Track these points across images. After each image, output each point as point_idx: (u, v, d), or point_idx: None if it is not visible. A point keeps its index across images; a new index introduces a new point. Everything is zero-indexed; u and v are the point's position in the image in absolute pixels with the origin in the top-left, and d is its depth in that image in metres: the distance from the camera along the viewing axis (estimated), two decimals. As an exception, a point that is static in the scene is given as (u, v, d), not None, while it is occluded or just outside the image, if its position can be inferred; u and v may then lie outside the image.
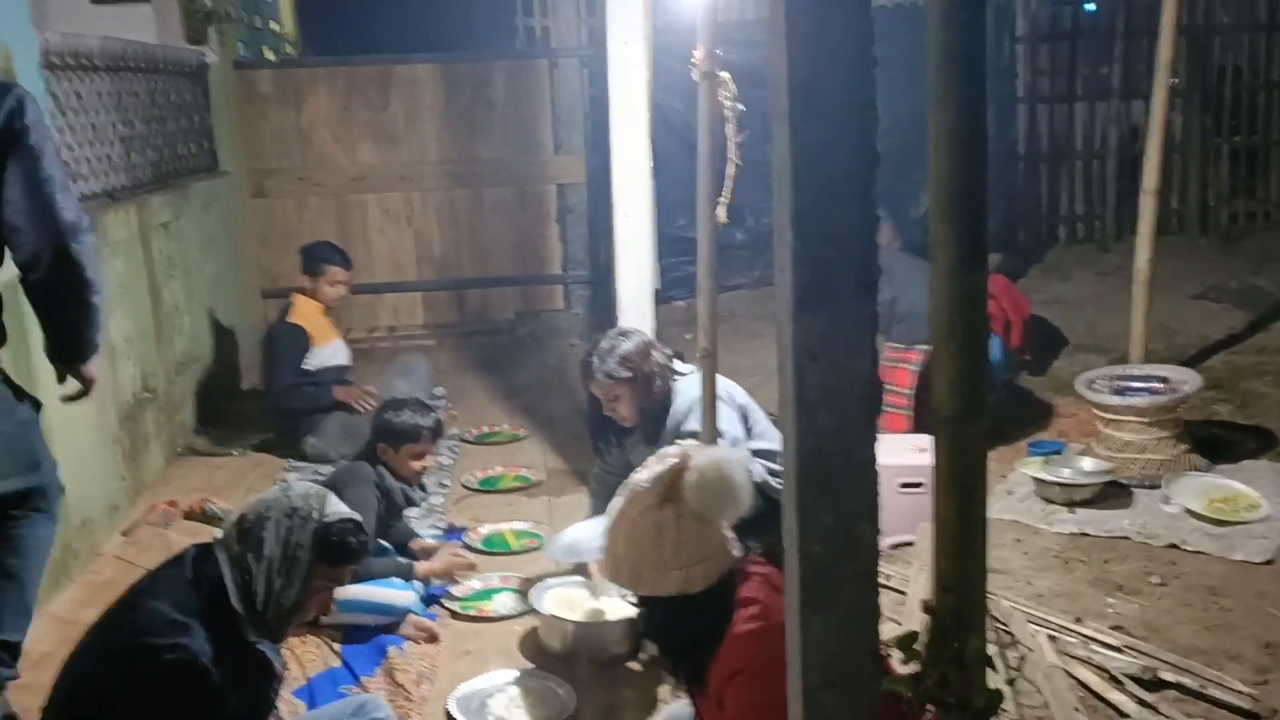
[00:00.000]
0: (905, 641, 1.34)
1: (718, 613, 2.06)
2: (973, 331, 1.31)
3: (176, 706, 2.01)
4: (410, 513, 4.45)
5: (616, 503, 2.16)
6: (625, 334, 3.69)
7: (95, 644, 2.17)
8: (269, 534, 2.14)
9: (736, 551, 2.13)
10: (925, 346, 4.68)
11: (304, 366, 5.03)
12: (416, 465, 3.70)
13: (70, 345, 2.67)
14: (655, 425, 3.64)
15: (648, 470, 2.12)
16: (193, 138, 6.09)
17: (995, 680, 1.45)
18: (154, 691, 2.02)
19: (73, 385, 2.84)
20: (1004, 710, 1.37)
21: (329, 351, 5.18)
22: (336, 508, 2.24)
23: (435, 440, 3.76)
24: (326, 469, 4.58)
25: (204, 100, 6.30)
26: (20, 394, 2.68)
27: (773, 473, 3.41)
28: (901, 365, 4.72)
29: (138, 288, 4.76)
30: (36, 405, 2.74)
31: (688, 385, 3.60)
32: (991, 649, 1.84)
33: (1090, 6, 8.52)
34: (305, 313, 5.14)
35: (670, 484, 2.05)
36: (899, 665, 1.50)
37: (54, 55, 4.29)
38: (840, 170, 1.50)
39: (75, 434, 3.94)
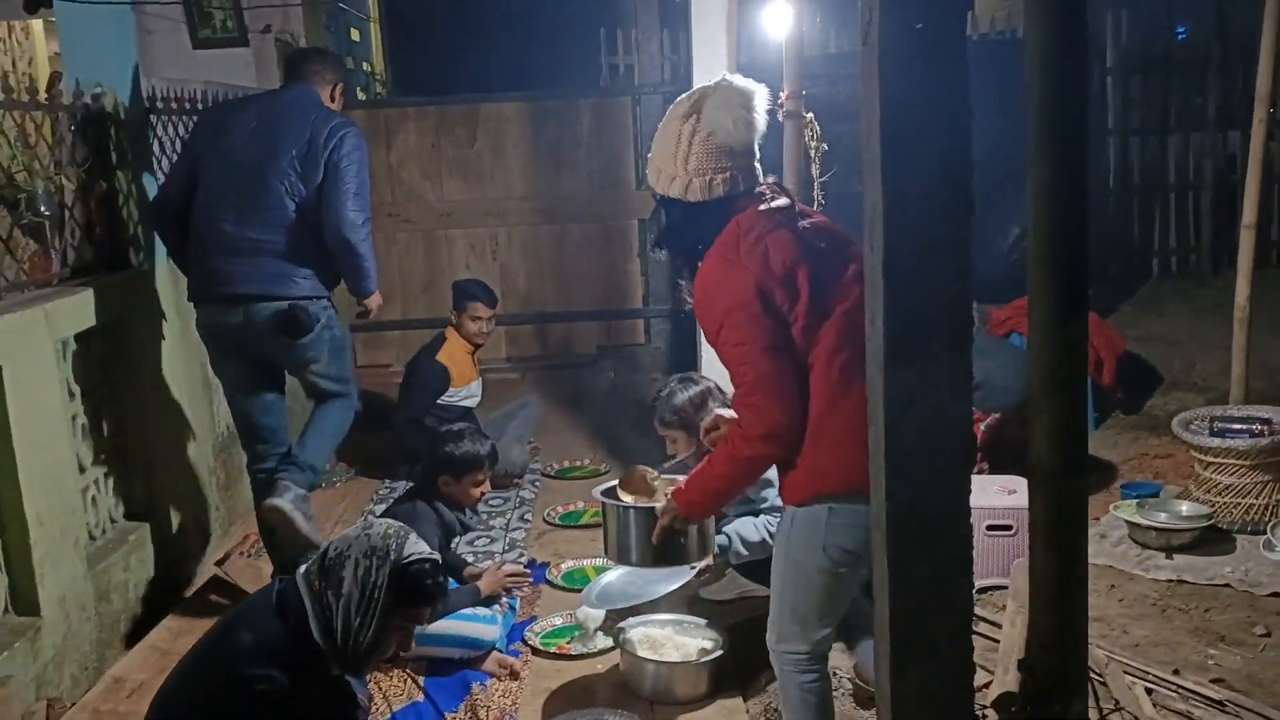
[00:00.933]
0: (1003, 703, 1.31)
1: (711, 225, 2.36)
2: (1073, 383, 1.28)
3: None
4: (493, 548, 4.52)
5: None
6: (687, 382, 3.68)
7: (188, 674, 2.23)
8: (348, 573, 2.17)
9: (744, 184, 2.38)
10: (997, 414, 4.60)
11: (438, 402, 5.22)
12: (476, 493, 3.73)
13: (353, 288, 3.96)
14: None
15: (688, 93, 2.43)
16: (287, 177, 6.27)
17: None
18: (242, 713, 2.06)
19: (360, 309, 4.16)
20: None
21: (467, 391, 5.38)
22: (416, 547, 2.27)
23: (493, 466, 3.79)
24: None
25: (298, 140, 6.48)
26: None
27: None
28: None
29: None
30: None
31: None
32: (1091, 713, 1.79)
33: (1181, 32, 8.32)
34: (453, 351, 5.32)
35: (699, 99, 2.35)
36: (996, 725, 1.46)
37: (159, 100, 4.47)
38: (934, 222, 1.49)
39: (176, 469, 4.07)
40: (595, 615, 3.65)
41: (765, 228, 2.32)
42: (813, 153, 3.03)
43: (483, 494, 3.77)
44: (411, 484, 4.00)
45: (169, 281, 4.14)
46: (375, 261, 3.93)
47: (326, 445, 3.98)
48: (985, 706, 1.43)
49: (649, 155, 2.46)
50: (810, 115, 3.03)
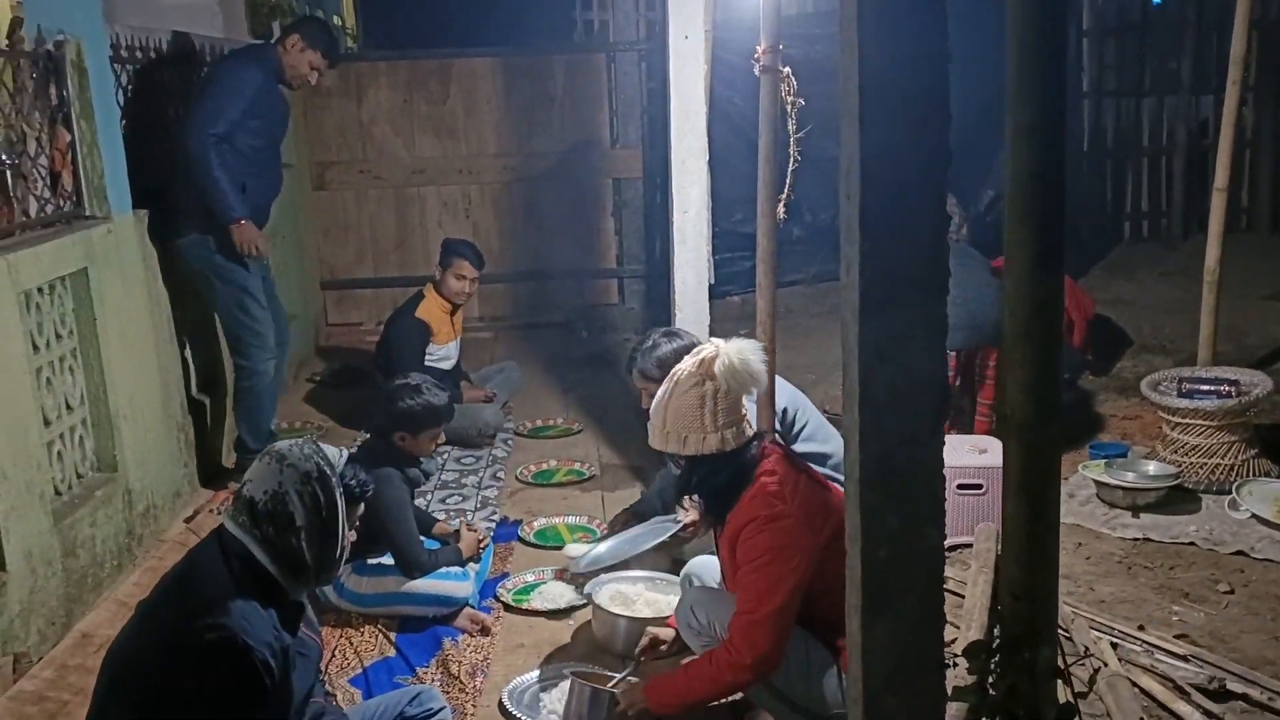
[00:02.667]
0: (973, 650, 1.32)
1: (742, 470, 2.63)
2: (1047, 336, 1.28)
3: (220, 685, 2.04)
4: (465, 505, 4.51)
5: (662, 389, 2.71)
6: (670, 335, 3.63)
7: (139, 629, 2.21)
8: (295, 505, 2.18)
9: (753, 428, 2.70)
10: (956, 351, 4.58)
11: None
12: (431, 446, 3.71)
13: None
14: None
15: (689, 359, 2.68)
16: (256, 130, 6.16)
17: (1065, 694, 1.42)
18: (198, 672, 2.05)
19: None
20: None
21: (443, 352, 5.34)
22: (331, 454, 2.31)
23: (449, 420, 3.76)
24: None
25: (268, 93, 6.37)
26: None
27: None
28: None
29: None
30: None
31: None
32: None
33: (1157, 1, 8.32)
34: (432, 308, 5.27)
35: (707, 367, 2.61)
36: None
37: (124, 49, 4.37)
38: (911, 170, 1.48)
39: (142, 424, 4.02)
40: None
41: (794, 474, 2.64)
42: (789, 109, 3.01)
43: (437, 444, 3.75)
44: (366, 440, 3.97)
45: (135, 233, 4.08)
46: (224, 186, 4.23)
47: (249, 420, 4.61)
48: (954, 655, 1.44)
49: (661, 427, 2.67)
50: (787, 70, 3.00)
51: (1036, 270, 1.27)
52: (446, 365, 5.34)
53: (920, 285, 1.51)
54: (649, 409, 3.64)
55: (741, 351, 2.60)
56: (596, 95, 7.29)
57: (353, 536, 2.38)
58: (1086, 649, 2.97)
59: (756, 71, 3.04)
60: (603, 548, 3.70)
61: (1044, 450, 1.30)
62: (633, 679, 2.86)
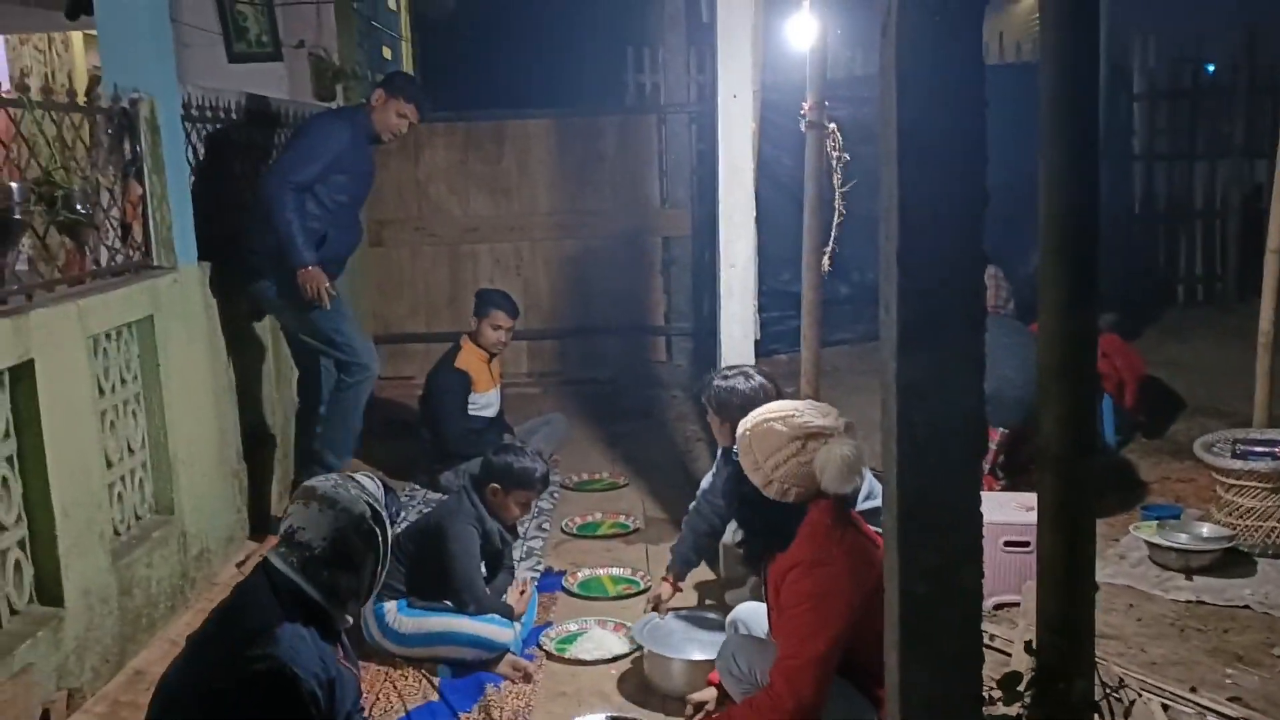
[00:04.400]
0: (1009, 681, 1.32)
1: (793, 519, 2.62)
2: (1082, 369, 1.30)
3: (269, 713, 2.08)
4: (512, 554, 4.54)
5: (774, 406, 2.73)
6: (748, 375, 3.65)
7: (188, 660, 2.26)
8: (352, 548, 2.28)
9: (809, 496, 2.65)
10: (1005, 429, 4.57)
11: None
12: (517, 511, 3.77)
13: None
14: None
15: (814, 412, 2.66)
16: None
17: (1103, 728, 1.41)
18: (247, 701, 2.09)
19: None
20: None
21: (485, 400, 5.42)
22: (375, 492, 2.40)
23: (544, 490, 3.83)
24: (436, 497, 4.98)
25: (328, 153, 6.57)
26: None
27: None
28: None
29: (258, 330, 4.96)
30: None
31: None
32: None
33: (1210, 67, 8.32)
34: (470, 359, 5.37)
35: (813, 436, 2.58)
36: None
37: (194, 108, 4.56)
38: (948, 208, 1.52)
39: (199, 469, 4.12)
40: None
41: (841, 524, 2.63)
42: (834, 163, 3.06)
43: (522, 515, 3.81)
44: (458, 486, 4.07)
45: (199, 284, 4.21)
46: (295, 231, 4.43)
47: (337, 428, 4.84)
48: (990, 689, 1.44)
49: (747, 433, 2.69)
50: (833, 125, 3.06)
51: (1070, 305, 1.30)
52: (489, 413, 5.41)
53: (958, 323, 1.54)
54: (716, 437, 3.71)
55: (853, 456, 2.58)
56: (647, 155, 7.43)
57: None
58: (1121, 679, 2.91)
59: (803, 127, 3.11)
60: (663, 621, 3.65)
61: (1080, 483, 1.31)
62: None
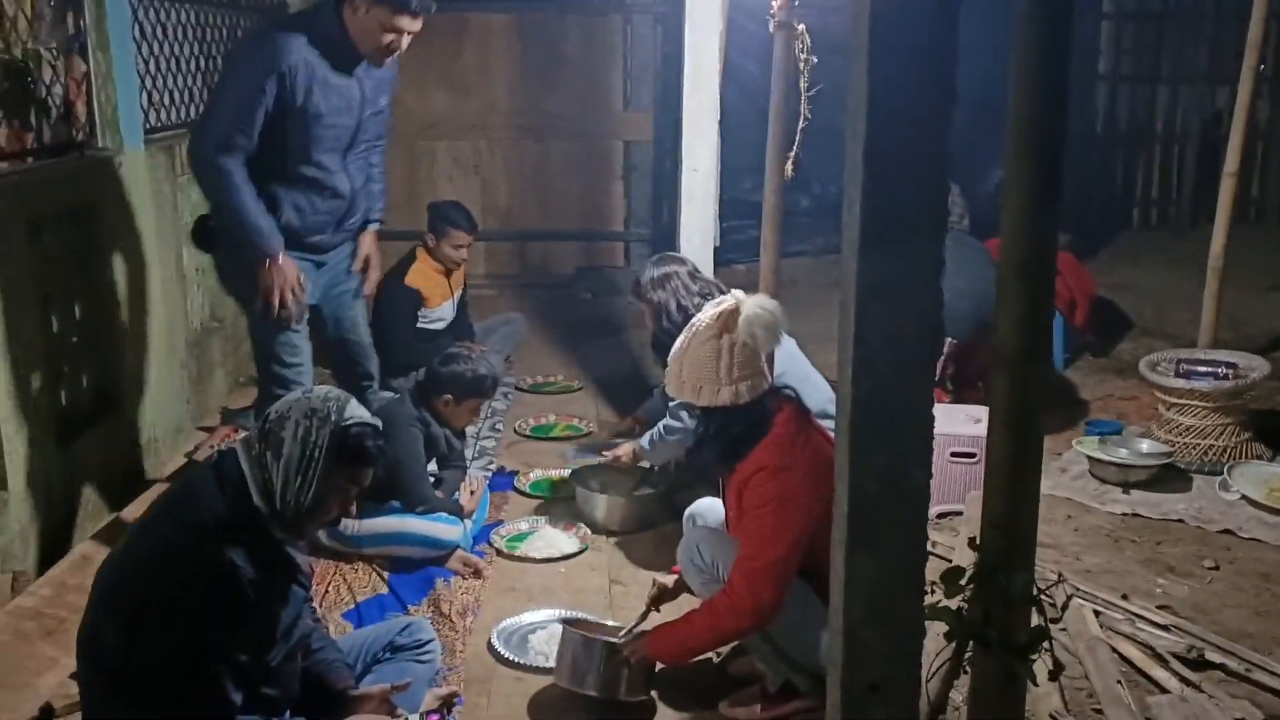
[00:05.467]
0: (950, 576, 1.35)
1: (756, 422, 2.65)
2: (1042, 271, 1.30)
3: (208, 605, 2.07)
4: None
5: (681, 337, 2.72)
6: (660, 261, 3.75)
7: (130, 544, 2.24)
8: (288, 434, 2.17)
9: (769, 380, 2.69)
10: (955, 341, 4.58)
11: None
12: (469, 418, 3.75)
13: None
14: (665, 351, 3.72)
15: (709, 310, 2.68)
16: (270, 76, 6.16)
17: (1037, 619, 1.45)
18: (186, 592, 2.08)
19: None
20: (1044, 648, 1.36)
21: (436, 314, 5.28)
22: (356, 411, 2.27)
23: (493, 394, 3.79)
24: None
25: (282, 39, 6.37)
26: None
27: None
28: None
29: (210, 218, 4.85)
30: None
31: None
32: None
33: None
34: (423, 274, 5.15)
35: (727, 319, 2.61)
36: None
37: (142, -16, 4.38)
38: (916, 106, 1.50)
39: (146, 359, 4.06)
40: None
41: (804, 429, 2.68)
42: (802, 65, 3.02)
43: (472, 421, 3.78)
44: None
45: (146, 168, 4.09)
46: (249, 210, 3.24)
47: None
48: (932, 583, 1.47)
49: (678, 376, 2.69)
50: (802, 26, 3.01)
51: (1034, 206, 1.29)
52: (439, 326, 5.30)
53: (920, 224, 1.53)
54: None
55: (763, 307, 2.61)
56: (611, 57, 7.28)
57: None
58: (1060, 575, 3.00)
59: (771, 28, 3.05)
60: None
61: (1031, 385, 1.32)
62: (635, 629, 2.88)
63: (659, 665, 2.82)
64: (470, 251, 5.39)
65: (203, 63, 5.00)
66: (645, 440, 3.86)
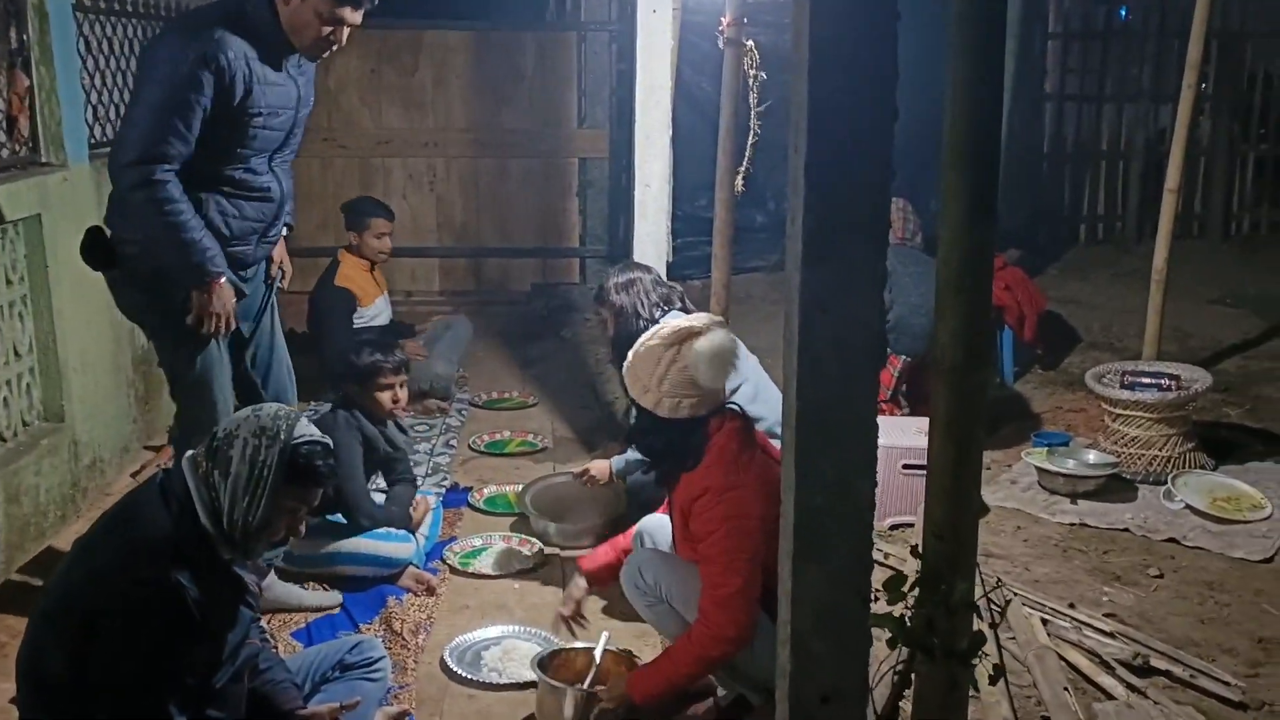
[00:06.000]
0: (893, 583, 1.36)
1: (694, 441, 2.66)
2: (978, 284, 1.32)
3: (152, 625, 2.04)
4: (417, 471, 4.50)
5: (647, 333, 2.76)
6: (625, 267, 3.79)
7: (73, 563, 2.20)
8: (236, 452, 2.14)
9: (714, 406, 2.70)
10: (909, 358, 4.62)
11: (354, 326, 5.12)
12: (387, 399, 3.66)
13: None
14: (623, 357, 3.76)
15: (677, 321, 2.72)
16: (220, 91, 6.11)
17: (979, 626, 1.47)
18: (129, 611, 2.05)
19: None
20: (984, 654, 1.38)
21: (373, 311, 5.28)
22: (306, 429, 2.24)
23: (399, 374, 3.71)
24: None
25: (233, 55, 6.32)
26: None
27: None
28: (884, 368, 4.63)
29: (159, 234, 4.79)
30: None
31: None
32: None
33: (1123, 12, 8.45)
34: (351, 273, 5.19)
35: (683, 339, 2.64)
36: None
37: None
38: (857, 122, 1.52)
39: (92, 377, 3.99)
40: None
41: (749, 447, 2.67)
42: (751, 81, 3.05)
43: (396, 402, 3.69)
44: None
45: (91, 183, 4.03)
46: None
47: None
48: (876, 592, 1.48)
49: (629, 367, 2.74)
50: (750, 43, 3.04)
51: (969, 220, 1.31)
52: (381, 322, 5.30)
53: (861, 236, 1.55)
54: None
55: (716, 345, 2.61)
56: (566, 74, 7.29)
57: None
58: (1000, 580, 3.03)
59: (720, 44, 3.08)
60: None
61: (971, 395, 1.34)
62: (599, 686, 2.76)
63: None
64: (390, 240, 5.38)
65: (151, 78, 4.94)
66: (619, 461, 3.82)
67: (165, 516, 2.15)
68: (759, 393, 3.58)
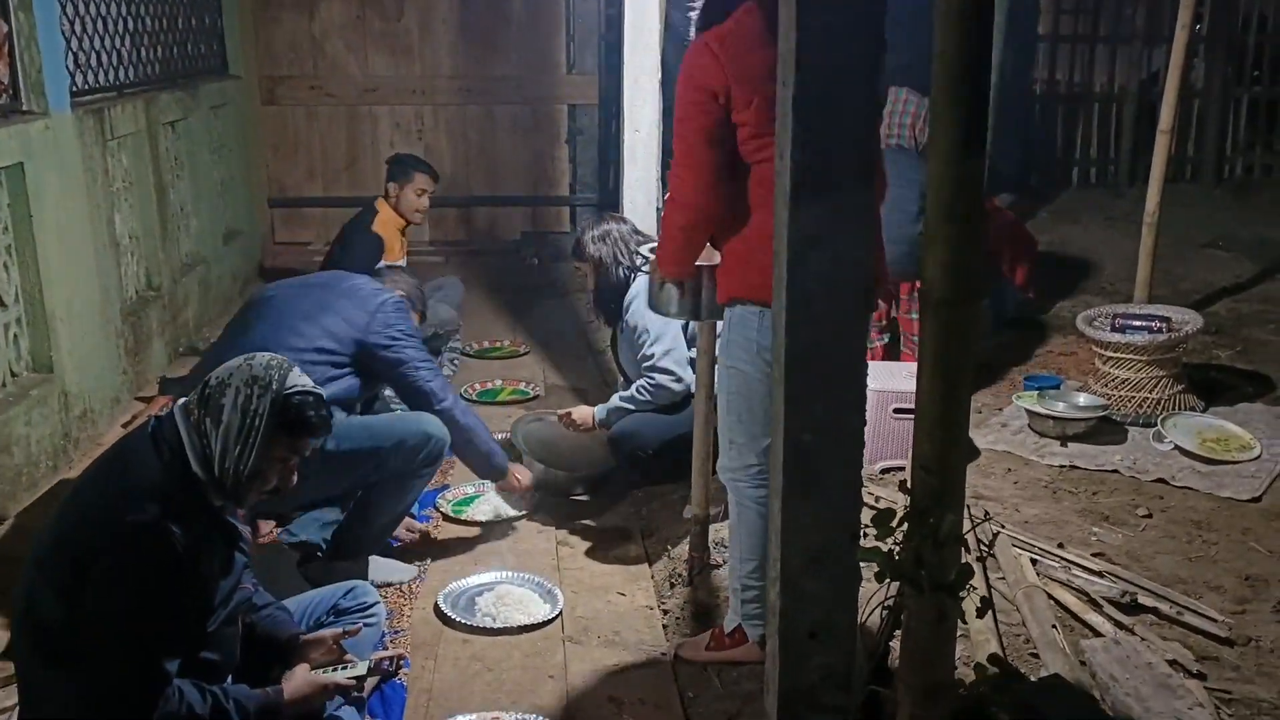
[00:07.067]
0: (881, 518, 1.37)
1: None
2: (969, 215, 1.31)
3: (143, 569, 2.04)
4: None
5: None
6: (599, 220, 3.84)
7: (65, 509, 2.20)
8: (228, 400, 2.14)
9: None
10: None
11: None
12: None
13: None
14: (608, 311, 3.86)
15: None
16: (203, 38, 6.04)
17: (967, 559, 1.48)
18: (120, 555, 2.05)
19: None
20: (973, 588, 1.39)
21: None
22: (299, 380, 2.24)
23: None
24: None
25: (216, 1, 6.23)
26: None
27: None
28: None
29: (144, 184, 4.75)
30: None
31: (642, 280, 3.63)
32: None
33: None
34: (386, 224, 5.07)
35: None
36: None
37: (64, -59, 4.24)
38: (845, 55, 1.50)
39: (80, 327, 3.97)
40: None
41: (752, 22, 2.39)
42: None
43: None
44: None
45: (75, 132, 3.99)
46: None
47: None
48: (865, 528, 1.48)
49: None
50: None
51: (961, 150, 1.30)
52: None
53: (850, 172, 1.54)
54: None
55: None
56: (554, 19, 7.21)
57: (293, 479, 2.29)
58: (987, 513, 3.04)
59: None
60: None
61: (961, 328, 1.34)
62: None
63: None
64: (429, 203, 5.31)
65: (130, 24, 4.87)
66: (601, 410, 3.82)
67: (156, 463, 2.14)
68: (668, 346, 3.63)
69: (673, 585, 3.24)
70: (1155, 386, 4.24)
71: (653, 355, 3.60)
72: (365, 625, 2.61)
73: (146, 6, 5.07)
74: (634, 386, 3.67)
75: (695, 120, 2.44)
